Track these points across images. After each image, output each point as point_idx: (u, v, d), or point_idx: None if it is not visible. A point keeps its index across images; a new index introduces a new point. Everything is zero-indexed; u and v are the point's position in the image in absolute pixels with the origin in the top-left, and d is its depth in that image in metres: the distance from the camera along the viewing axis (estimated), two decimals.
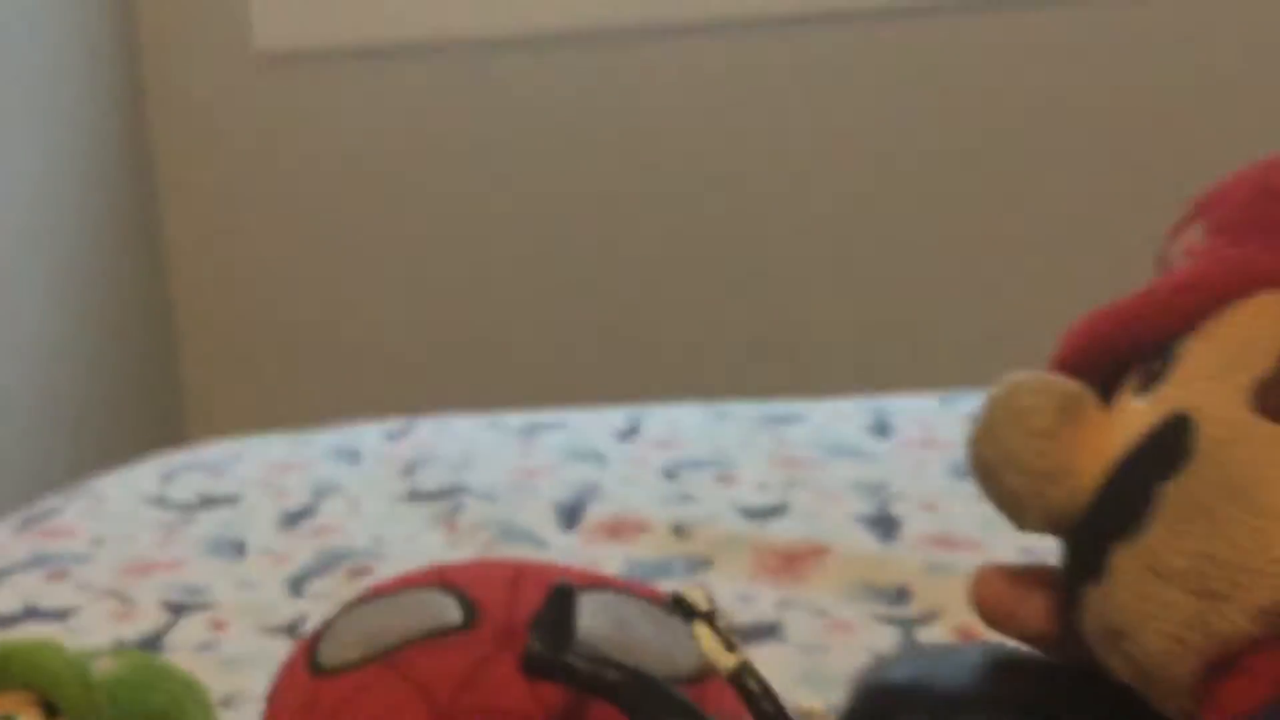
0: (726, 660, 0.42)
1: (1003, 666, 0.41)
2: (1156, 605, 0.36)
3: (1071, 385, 0.40)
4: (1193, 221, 0.44)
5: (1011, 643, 0.43)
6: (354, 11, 2.05)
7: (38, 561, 0.98)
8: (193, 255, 2.13)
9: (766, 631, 0.82)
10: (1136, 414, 0.40)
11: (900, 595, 0.85)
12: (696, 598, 0.43)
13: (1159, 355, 0.41)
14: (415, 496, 1.06)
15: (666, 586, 0.89)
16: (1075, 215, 1.95)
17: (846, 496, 1.00)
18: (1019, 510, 0.40)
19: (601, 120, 2.03)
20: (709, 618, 0.43)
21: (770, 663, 0.78)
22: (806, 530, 0.95)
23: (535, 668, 0.44)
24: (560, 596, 0.45)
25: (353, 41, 2.04)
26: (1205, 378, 0.39)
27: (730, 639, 0.43)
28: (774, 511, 0.99)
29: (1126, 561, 0.37)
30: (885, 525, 0.95)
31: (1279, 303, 0.39)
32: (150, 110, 2.08)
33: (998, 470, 0.40)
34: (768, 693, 0.41)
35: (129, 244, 2.04)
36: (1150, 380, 0.40)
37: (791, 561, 0.91)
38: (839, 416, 1.17)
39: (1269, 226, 0.41)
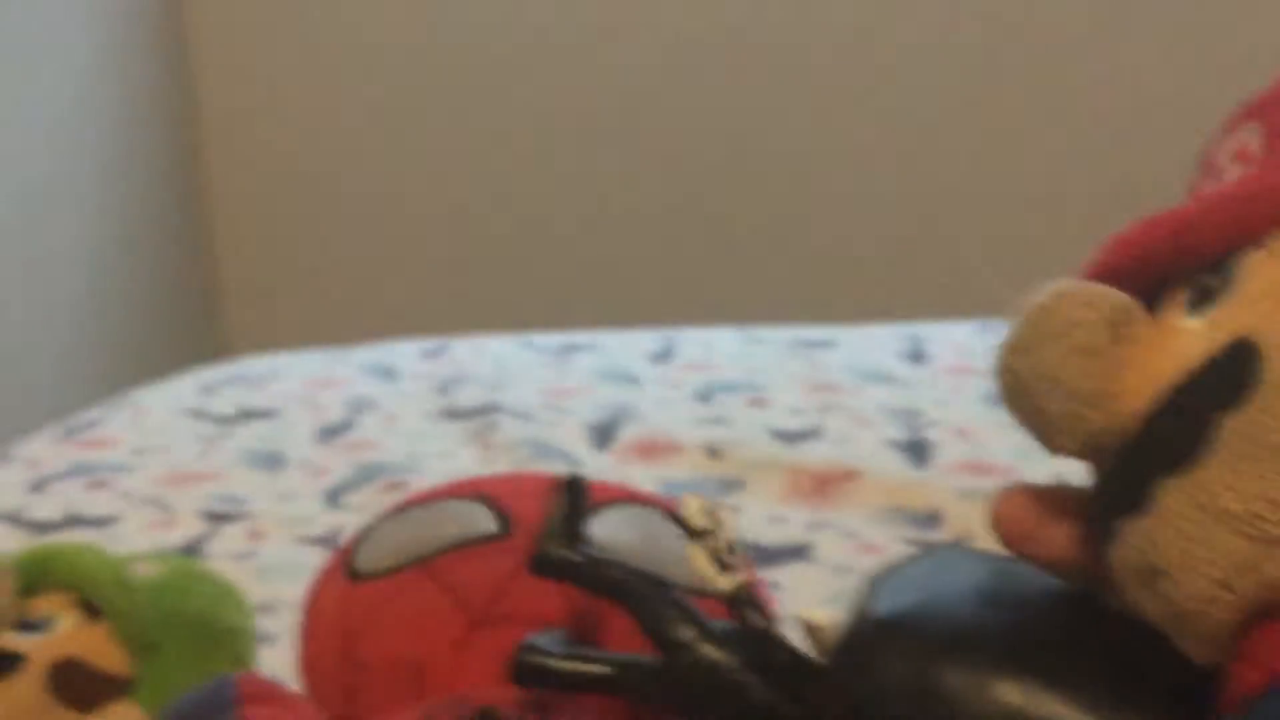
0: (720, 582, 0.41)
1: (1001, 599, 0.39)
2: (1205, 546, 0.33)
3: (1122, 298, 0.37)
4: (1245, 123, 0.40)
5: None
6: None
7: (79, 471, 0.99)
8: (234, 171, 2.14)
9: (797, 552, 0.82)
10: (1192, 335, 0.36)
11: (931, 519, 0.86)
12: (693, 513, 0.42)
13: (1214, 270, 0.37)
14: (450, 414, 1.07)
15: None
16: (1124, 137, 1.93)
17: (879, 422, 1.00)
18: (1053, 432, 0.37)
19: (636, 37, 2.02)
20: (706, 535, 0.41)
21: (800, 583, 0.78)
22: (839, 454, 0.95)
23: (542, 566, 0.44)
24: (571, 494, 0.44)
25: None
26: (1273, 300, 0.35)
27: (727, 557, 0.41)
28: (807, 435, 0.99)
29: (1174, 497, 0.34)
30: (918, 450, 0.95)
31: None
32: (187, 14, 2.08)
33: (1034, 388, 0.37)
34: (762, 615, 0.41)
35: (168, 160, 2.05)
36: (1203, 297, 0.37)
37: (823, 484, 0.91)
38: (874, 342, 1.17)
39: None
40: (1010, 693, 0.37)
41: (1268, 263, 0.36)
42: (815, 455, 0.95)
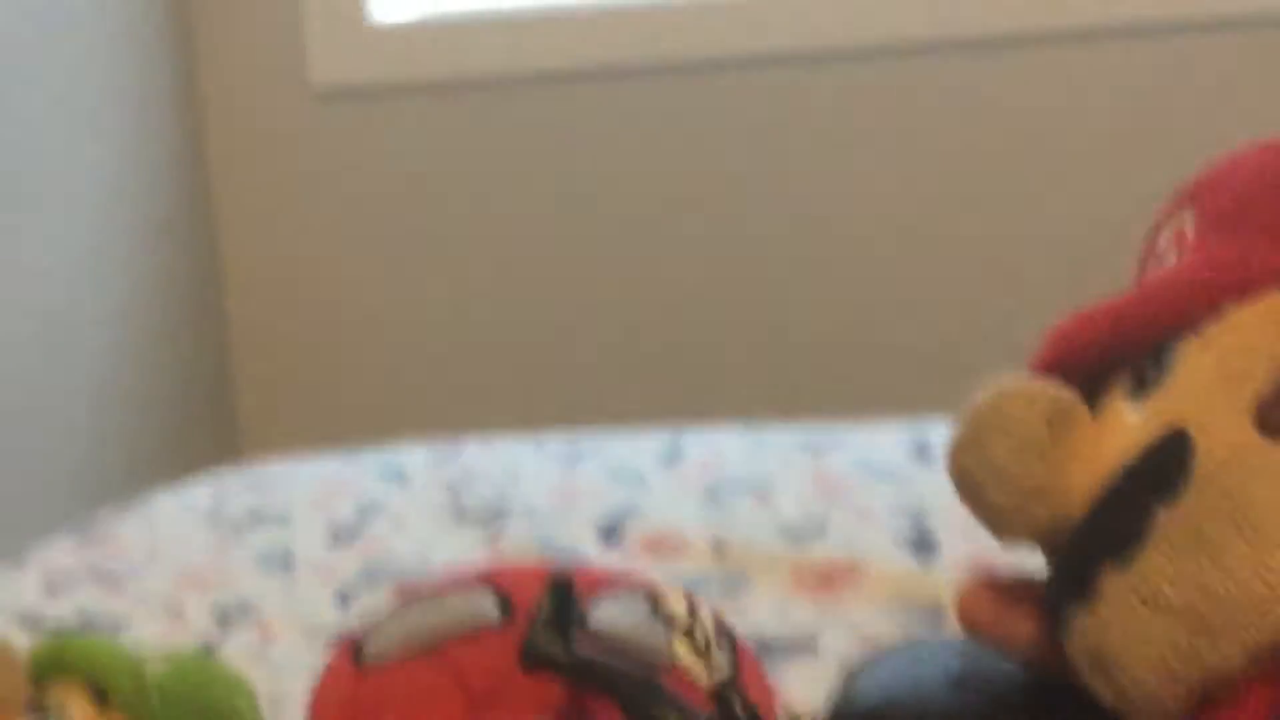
0: (701, 676, 0.41)
1: (975, 684, 0.40)
2: (1147, 635, 0.34)
3: (1062, 394, 0.38)
4: (1181, 209, 0.41)
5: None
6: (410, 46, 2.08)
7: (93, 573, 1.00)
8: (249, 282, 2.17)
9: (803, 646, 0.83)
10: (1130, 426, 0.37)
11: (936, 613, 0.86)
12: (675, 607, 0.42)
13: (1151, 357, 0.38)
14: (460, 515, 1.08)
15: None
16: (1119, 243, 1.95)
17: (885, 518, 1.01)
18: (1002, 525, 0.39)
19: (643, 152, 2.05)
20: (687, 629, 0.42)
21: (804, 677, 0.79)
22: (844, 549, 0.96)
23: (530, 659, 0.44)
24: (557, 589, 0.45)
25: (409, 76, 2.08)
26: (1205, 389, 0.36)
27: (710, 651, 0.42)
28: (813, 531, 1.00)
29: (1117, 587, 0.35)
30: (923, 545, 0.96)
31: None
32: (207, 142, 2.12)
33: (982, 483, 0.38)
34: (746, 707, 0.41)
35: (188, 272, 2.08)
36: (1142, 384, 0.38)
37: (829, 579, 0.92)
38: (879, 440, 1.18)
39: (1270, 220, 0.38)
40: None
41: (1200, 351, 0.37)
42: (820, 551, 0.96)
